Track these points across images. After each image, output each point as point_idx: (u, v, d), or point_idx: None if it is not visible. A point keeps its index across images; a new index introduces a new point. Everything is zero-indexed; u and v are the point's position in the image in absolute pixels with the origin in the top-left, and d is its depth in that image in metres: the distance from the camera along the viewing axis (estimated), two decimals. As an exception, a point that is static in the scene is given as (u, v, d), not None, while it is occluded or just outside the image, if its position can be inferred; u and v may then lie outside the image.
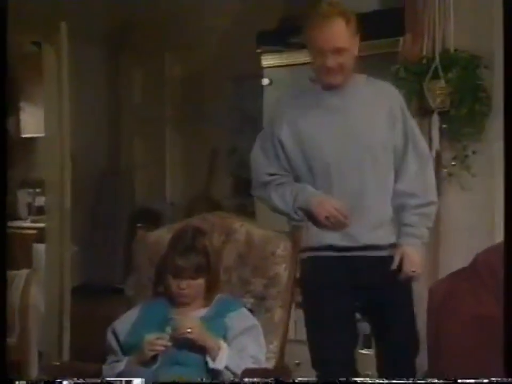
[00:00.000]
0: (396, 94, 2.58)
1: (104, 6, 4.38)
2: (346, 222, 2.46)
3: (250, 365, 2.39)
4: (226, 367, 2.36)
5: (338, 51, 2.42)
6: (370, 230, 2.49)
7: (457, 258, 2.92)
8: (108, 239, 4.49)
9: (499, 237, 2.96)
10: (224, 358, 2.36)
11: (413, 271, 2.48)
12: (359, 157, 2.48)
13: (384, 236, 2.51)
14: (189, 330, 2.36)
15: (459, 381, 1.82)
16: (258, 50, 3.73)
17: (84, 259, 4.45)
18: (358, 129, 2.49)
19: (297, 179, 2.57)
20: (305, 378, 1.86)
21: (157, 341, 2.38)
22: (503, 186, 3.03)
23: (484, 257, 2.40)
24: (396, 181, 2.52)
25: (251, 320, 2.52)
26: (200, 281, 2.49)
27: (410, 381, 1.89)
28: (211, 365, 2.36)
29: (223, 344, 2.39)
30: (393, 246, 2.52)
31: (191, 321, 2.39)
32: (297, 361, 3.28)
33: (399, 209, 2.52)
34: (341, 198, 2.47)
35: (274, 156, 2.59)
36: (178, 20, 4.38)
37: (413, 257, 2.48)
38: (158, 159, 4.77)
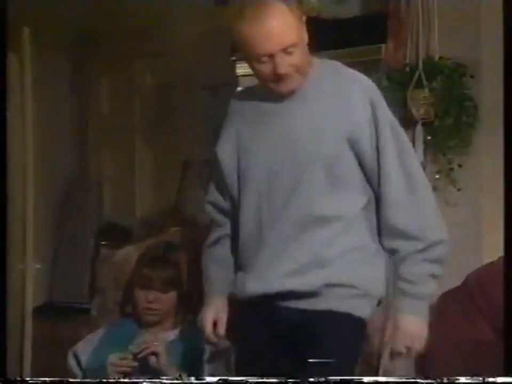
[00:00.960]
0: (365, 88, 1.91)
1: (70, 12, 4.20)
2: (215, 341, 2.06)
3: None
4: None
5: (288, 50, 1.84)
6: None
7: (443, 277, 2.77)
8: (73, 256, 4.30)
9: (487, 253, 2.87)
10: None
11: (406, 347, 1.85)
12: (294, 175, 1.89)
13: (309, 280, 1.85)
14: (156, 343, 2.24)
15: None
16: (233, 58, 3.58)
17: (47, 277, 4.26)
18: (298, 141, 1.89)
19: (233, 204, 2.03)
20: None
21: (121, 361, 2.25)
22: (491, 201, 2.95)
23: (475, 277, 2.25)
24: (378, 212, 1.92)
25: (224, 343, 2.35)
26: (170, 296, 2.36)
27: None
28: None
29: (183, 375, 2.22)
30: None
31: (156, 338, 2.28)
32: (273, 387, 3.13)
33: (391, 253, 1.91)
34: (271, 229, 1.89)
35: (214, 179, 2.09)
36: (148, 26, 4.23)
37: (408, 328, 1.84)
38: (127, 172, 4.61)
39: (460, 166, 2.94)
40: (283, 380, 1.66)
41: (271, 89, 1.91)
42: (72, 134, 4.55)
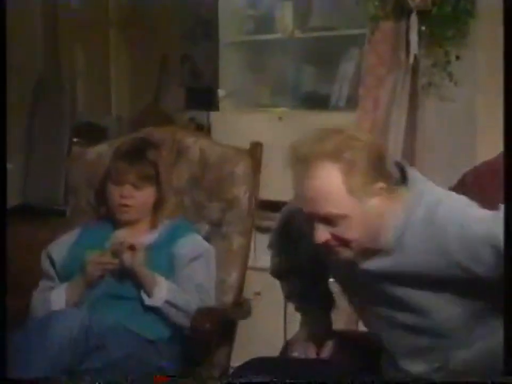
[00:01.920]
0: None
1: None
2: None
3: (196, 295, 2.14)
4: (167, 302, 2.10)
5: (329, 220, 1.53)
6: None
7: (436, 179, 2.64)
8: (47, 156, 4.13)
9: (482, 150, 2.74)
10: (161, 294, 2.11)
11: None
12: None
13: None
14: (133, 239, 2.12)
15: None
16: None
17: (20, 178, 4.10)
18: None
19: None
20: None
21: (101, 258, 2.13)
22: (488, 96, 2.80)
23: (472, 175, 2.09)
24: None
25: (202, 246, 2.26)
26: (146, 193, 2.22)
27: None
28: (146, 301, 2.11)
29: (160, 279, 2.13)
30: None
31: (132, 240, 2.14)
32: (257, 291, 3.04)
33: None
34: None
35: None
36: None
37: None
38: (101, 67, 4.37)
39: (457, 58, 2.75)
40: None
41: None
42: (41, 28, 4.29)
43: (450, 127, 2.84)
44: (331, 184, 1.49)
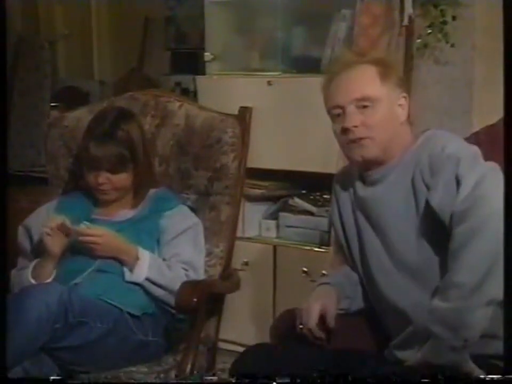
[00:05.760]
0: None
1: None
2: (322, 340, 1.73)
3: (182, 272, 2.05)
4: (148, 279, 2.01)
5: (361, 104, 1.68)
6: None
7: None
8: (27, 121, 4.01)
9: (478, 116, 2.66)
10: (143, 270, 2.01)
11: None
12: None
13: None
14: (100, 232, 2.01)
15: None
16: None
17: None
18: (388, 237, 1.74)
19: None
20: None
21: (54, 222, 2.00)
22: (485, 58, 2.70)
23: (471, 140, 2.00)
24: None
25: (190, 219, 2.15)
26: (123, 176, 2.10)
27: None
28: (127, 277, 2.02)
29: (143, 253, 2.03)
30: None
31: (97, 230, 2.02)
32: (245, 260, 2.95)
33: None
34: None
35: None
36: None
37: None
38: (83, 30, 4.23)
39: (454, 18, 2.64)
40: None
41: (348, 157, 1.77)
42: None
43: (446, 90, 2.75)
44: (365, 71, 1.70)
